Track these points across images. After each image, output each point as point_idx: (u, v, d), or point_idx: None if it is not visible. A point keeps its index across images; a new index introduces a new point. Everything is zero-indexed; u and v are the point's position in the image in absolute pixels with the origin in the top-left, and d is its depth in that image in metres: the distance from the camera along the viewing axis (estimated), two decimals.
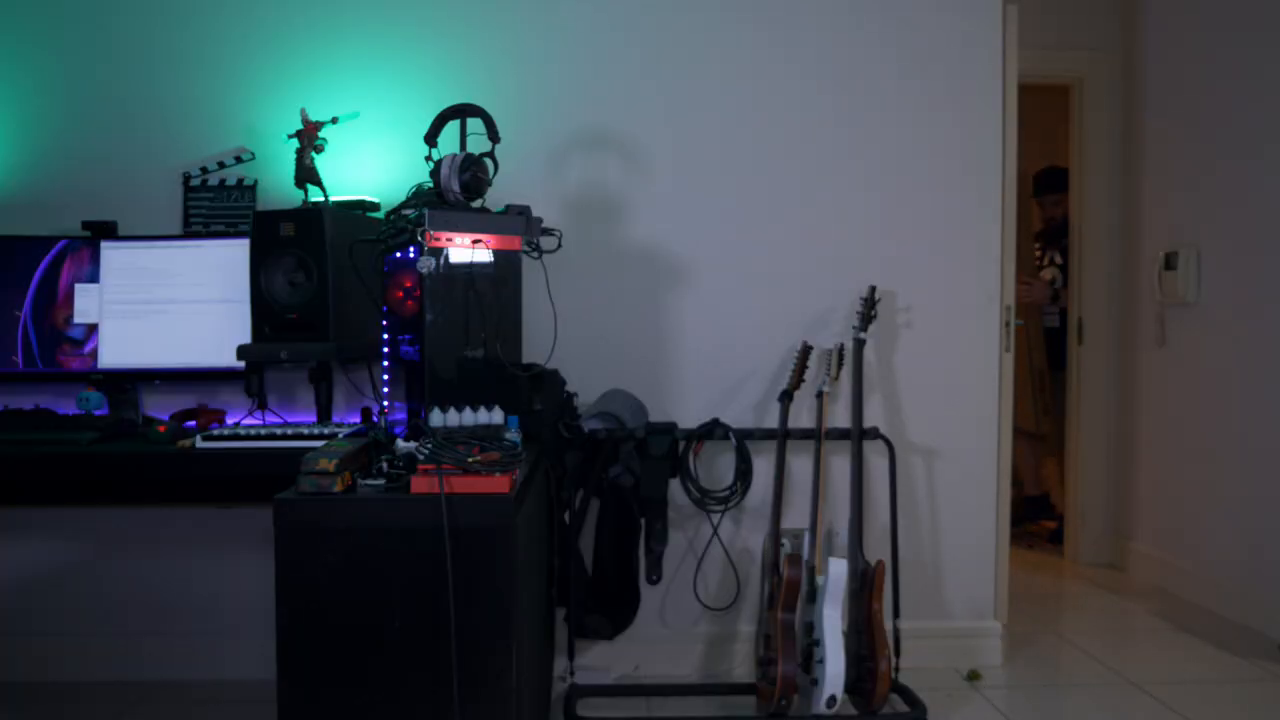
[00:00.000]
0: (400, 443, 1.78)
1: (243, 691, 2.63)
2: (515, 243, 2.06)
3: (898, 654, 2.52)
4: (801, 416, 2.68)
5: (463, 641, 1.57)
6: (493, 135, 2.11)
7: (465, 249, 1.97)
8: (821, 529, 2.50)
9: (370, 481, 1.66)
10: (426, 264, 1.91)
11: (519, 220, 2.07)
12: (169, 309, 2.52)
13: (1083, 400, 3.92)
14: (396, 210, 2.05)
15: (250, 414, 2.51)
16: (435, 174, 2.01)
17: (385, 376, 2.27)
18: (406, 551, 1.60)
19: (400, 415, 2.19)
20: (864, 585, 2.44)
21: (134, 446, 2.21)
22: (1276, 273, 3.03)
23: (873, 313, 2.61)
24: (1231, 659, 2.86)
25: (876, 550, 2.64)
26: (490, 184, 2.07)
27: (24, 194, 2.68)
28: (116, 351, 2.52)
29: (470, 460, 1.62)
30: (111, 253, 2.54)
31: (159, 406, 2.66)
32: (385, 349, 2.23)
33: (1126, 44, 3.85)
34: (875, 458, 2.70)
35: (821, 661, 2.34)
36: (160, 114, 2.69)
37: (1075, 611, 3.34)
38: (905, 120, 2.74)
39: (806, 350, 2.59)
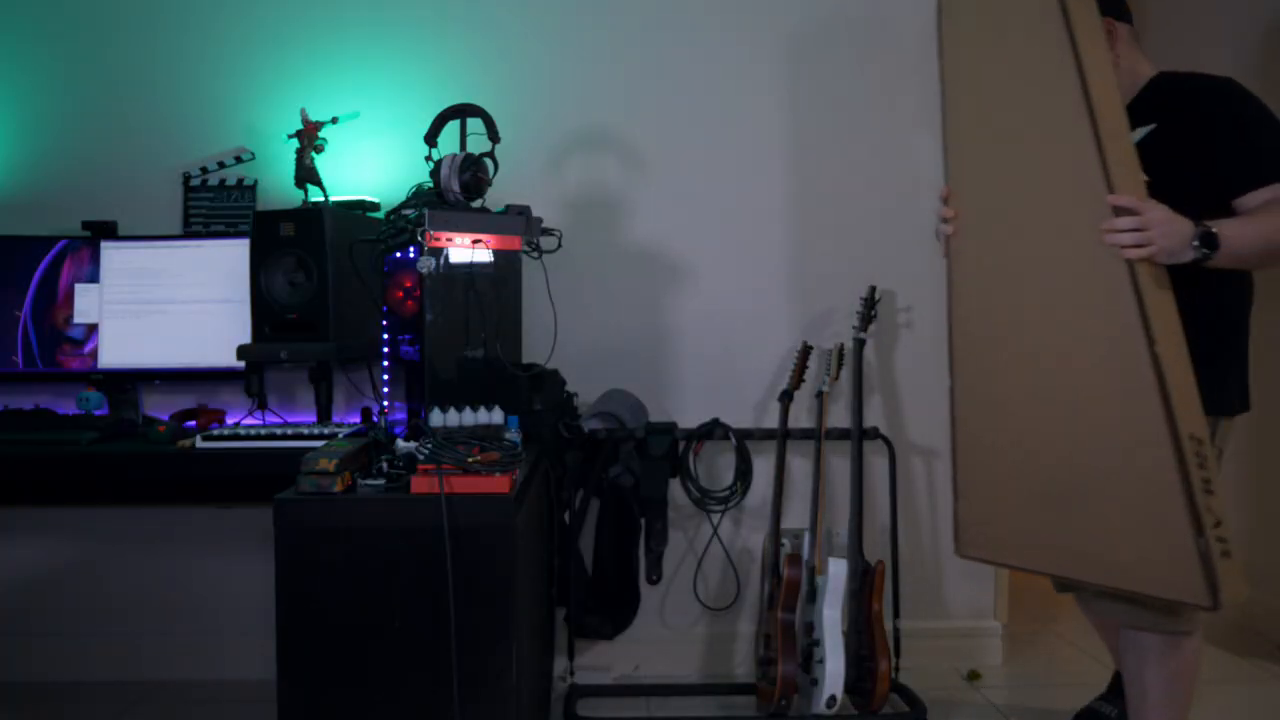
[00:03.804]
0: (400, 443, 1.78)
1: (243, 691, 2.63)
2: (515, 243, 2.06)
3: (898, 654, 2.52)
4: (801, 416, 2.68)
5: (463, 641, 1.57)
6: (493, 135, 2.11)
7: (465, 249, 1.97)
8: (821, 529, 2.50)
9: (370, 481, 1.66)
10: (426, 264, 1.91)
11: (519, 220, 2.07)
12: (169, 309, 2.52)
13: None
14: (396, 210, 2.05)
15: (250, 414, 2.52)
16: (435, 174, 2.01)
17: (385, 376, 2.27)
18: (406, 551, 1.60)
19: (400, 415, 2.20)
20: (864, 585, 2.44)
21: (134, 446, 2.21)
22: (1276, 273, 3.03)
23: (873, 313, 2.61)
24: (1231, 659, 2.86)
25: (876, 550, 2.64)
26: (490, 184, 2.07)
27: (24, 194, 2.68)
28: (116, 351, 2.52)
29: (470, 460, 1.62)
30: (111, 253, 2.54)
31: (159, 406, 2.66)
32: (385, 349, 2.23)
33: None
34: (875, 458, 2.70)
35: (821, 661, 2.34)
36: (160, 114, 2.70)
37: (1075, 611, 3.33)
38: (906, 120, 2.74)
39: (806, 350, 2.59)
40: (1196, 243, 1.65)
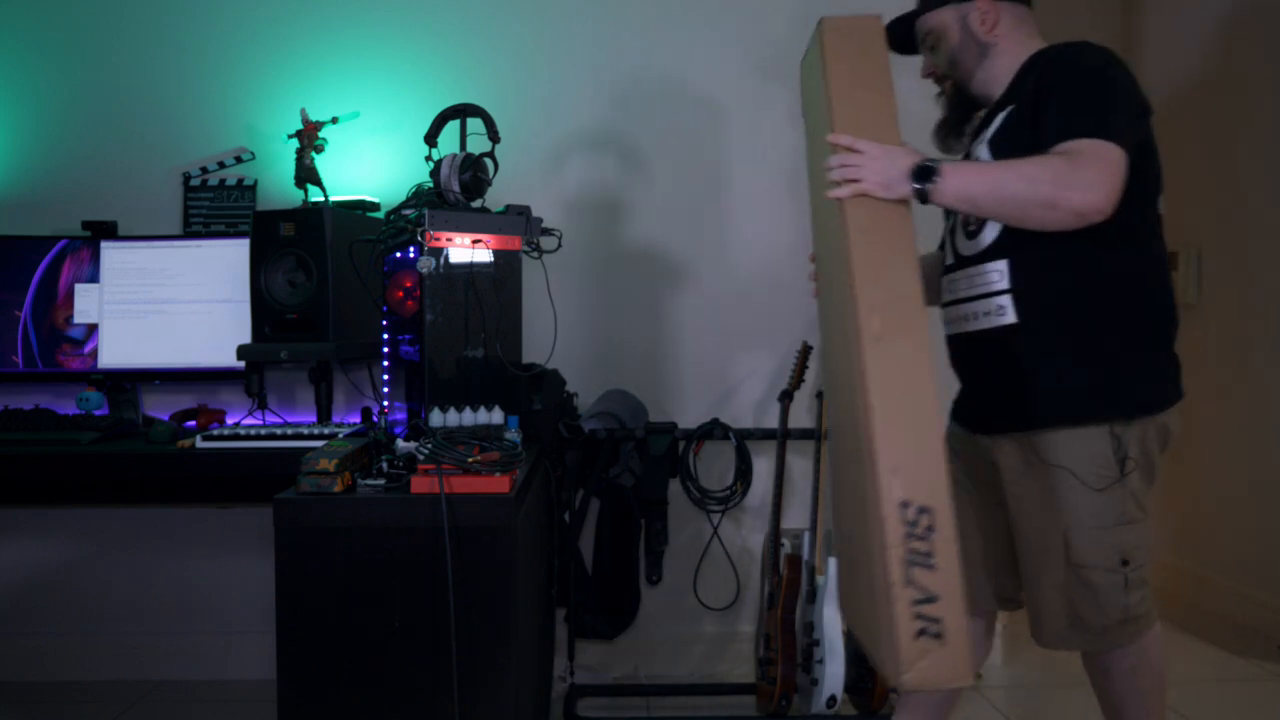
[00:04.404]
0: (400, 443, 1.78)
1: (243, 691, 2.63)
2: (515, 243, 2.06)
3: None
4: (801, 416, 2.68)
5: (463, 641, 1.57)
6: (493, 135, 2.11)
7: (465, 249, 1.97)
8: (821, 529, 2.50)
9: (370, 481, 1.66)
10: (426, 264, 1.91)
11: (519, 220, 2.07)
12: (169, 309, 2.52)
13: None
14: (396, 210, 2.05)
15: (250, 414, 2.51)
16: (435, 174, 2.01)
17: (385, 376, 2.27)
18: (406, 551, 1.60)
19: (400, 415, 2.19)
20: None
21: (134, 446, 2.21)
22: (1277, 273, 3.03)
23: None
24: (1231, 659, 2.86)
25: None
26: (490, 184, 2.07)
27: (24, 194, 2.68)
28: (116, 351, 2.52)
29: (470, 460, 1.62)
30: (111, 253, 2.54)
31: (159, 406, 2.66)
32: (385, 349, 2.23)
33: (1126, 44, 3.85)
34: None
35: (821, 661, 2.34)
36: (160, 114, 2.70)
37: None
38: (906, 120, 2.73)
39: (806, 350, 2.59)
40: (912, 177, 1.55)
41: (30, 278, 2.52)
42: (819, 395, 2.57)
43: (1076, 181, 1.49)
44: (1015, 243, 1.65)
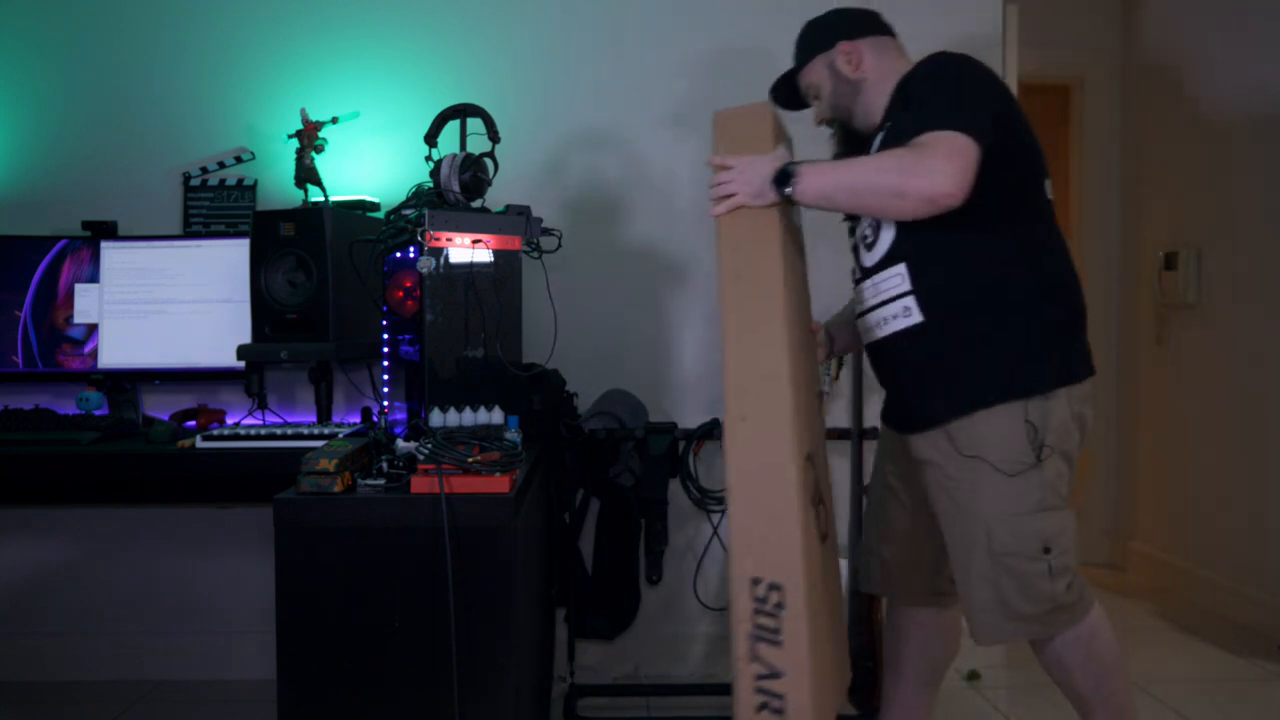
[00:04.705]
0: (400, 443, 1.78)
1: (243, 691, 2.63)
2: (515, 243, 2.06)
3: None
4: None
5: (463, 641, 1.57)
6: (493, 135, 2.11)
7: (465, 249, 1.97)
8: None
9: (370, 481, 1.66)
10: (426, 264, 1.91)
11: (519, 220, 2.07)
12: (169, 309, 2.52)
13: None
14: (396, 210, 2.05)
15: (250, 414, 2.51)
16: (435, 174, 2.01)
17: (385, 376, 2.27)
18: (406, 551, 1.60)
19: (400, 415, 2.19)
20: None
21: (134, 446, 2.21)
22: (1277, 273, 3.03)
23: None
24: (1231, 659, 2.86)
25: None
26: (490, 184, 2.07)
27: (24, 194, 2.68)
28: (116, 351, 2.52)
29: (470, 460, 1.62)
30: (111, 253, 2.54)
31: (159, 406, 2.66)
32: (385, 349, 2.23)
33: (1126, 44, 3.85)
34: None
35: None
36: (160, 114, 2.70)
37: None
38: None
39: None
40: (775, 182, 1.65)
41: (30, 278, 2.52)
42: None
43: (921, 170, 1.57)
44: (909, 245, 1.71)
